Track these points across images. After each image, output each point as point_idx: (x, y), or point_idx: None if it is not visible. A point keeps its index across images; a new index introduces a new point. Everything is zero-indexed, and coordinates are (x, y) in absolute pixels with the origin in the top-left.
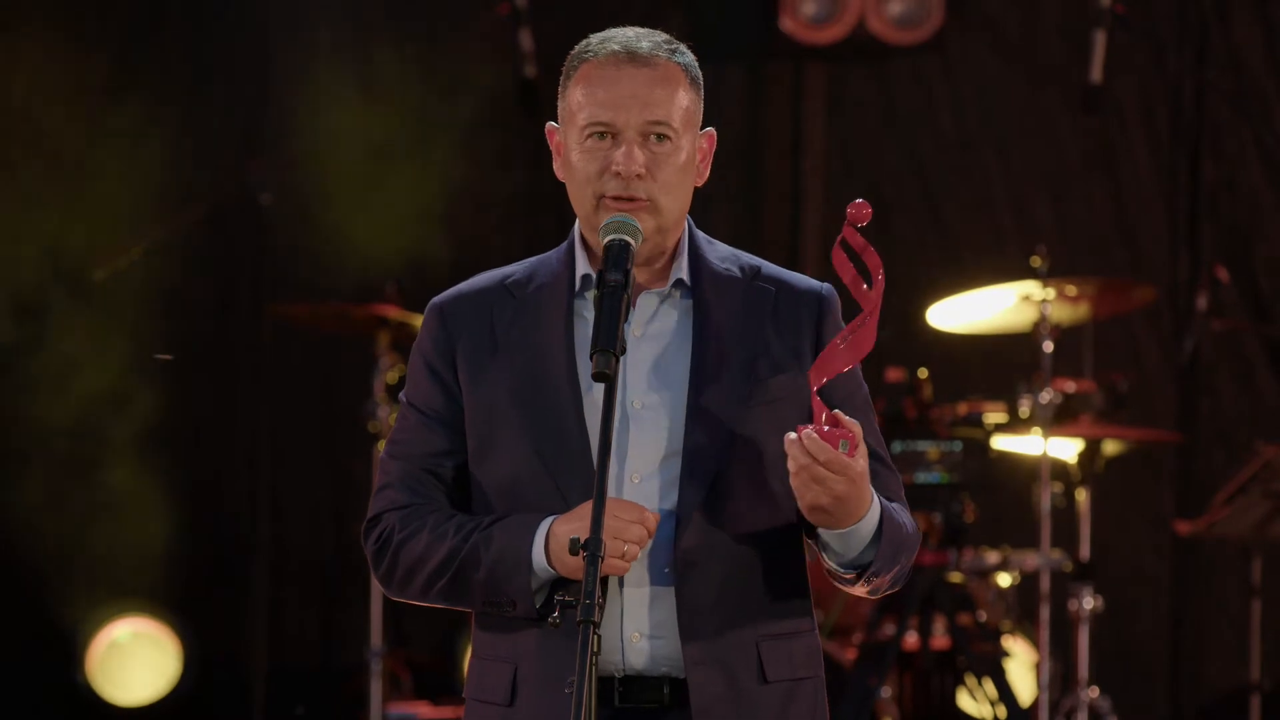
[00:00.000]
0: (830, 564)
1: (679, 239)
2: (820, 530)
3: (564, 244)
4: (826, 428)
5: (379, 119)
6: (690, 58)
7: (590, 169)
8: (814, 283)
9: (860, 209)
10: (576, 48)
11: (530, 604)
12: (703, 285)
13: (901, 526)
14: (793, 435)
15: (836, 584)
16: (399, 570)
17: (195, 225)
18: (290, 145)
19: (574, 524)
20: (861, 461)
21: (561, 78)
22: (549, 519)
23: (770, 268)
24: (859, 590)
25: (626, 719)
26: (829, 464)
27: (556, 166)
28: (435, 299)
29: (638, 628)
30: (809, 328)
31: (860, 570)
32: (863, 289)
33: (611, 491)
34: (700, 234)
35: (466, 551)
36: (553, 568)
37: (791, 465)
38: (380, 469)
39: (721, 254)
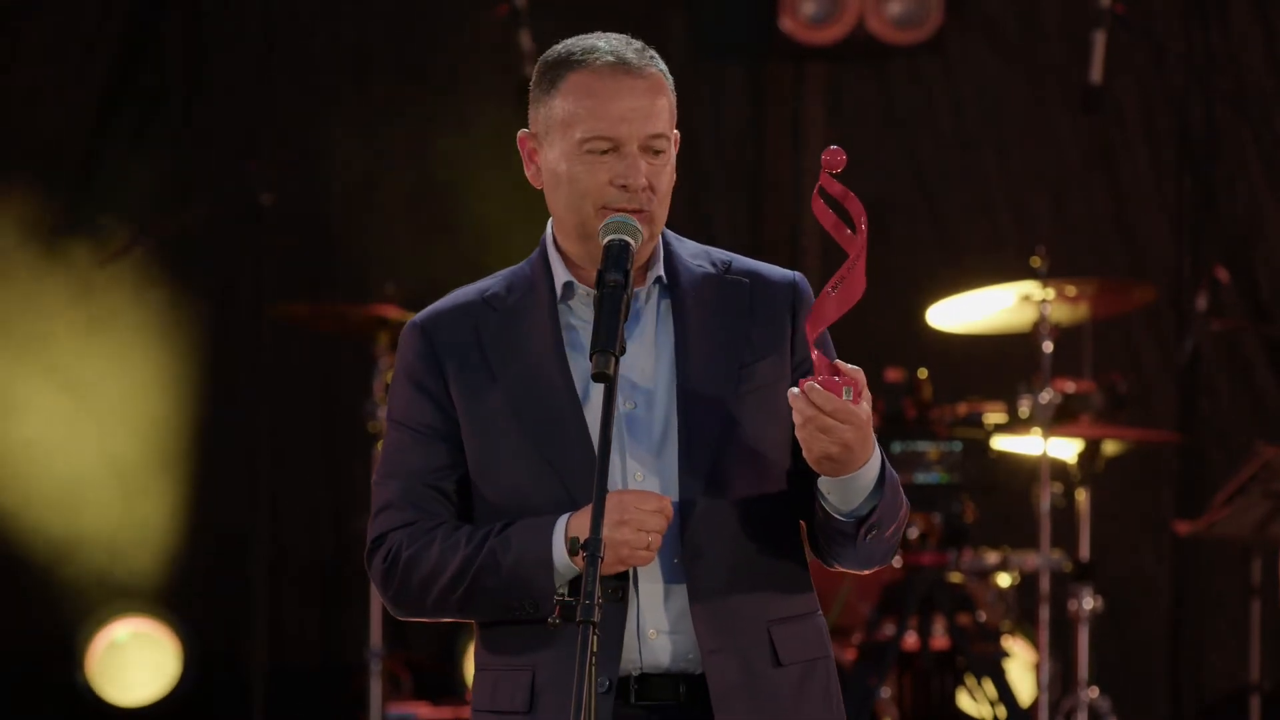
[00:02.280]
0: (834, 515)
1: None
2: (820, 482)
3: (534, 254)
4: (835, 378)
5: (378, 119)
6: (663, 63)
7: (590, 182)
8: (786, 272)
9: (834, 155)
10: (555, 54)
11: (552, 602)
12: (679, 283)
13: (898, 483)
14: (796, 390)
15: (833, 547)
16: (412, 587)
17: (195, 225)
18: (290, 145)
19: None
20: (866, 406)
21: (540, 84)
22: (564, 517)
23: (741, 261)
24: (859, 552)
25: (642, 717)
26: (835, 413)
27: (531, 174)
28: (413, 319)
29: (654, 624)
30: (785, 316)
31: (860, 520)
32: (846, 234)
33: (596, 486)
34: (669, 232)
35: (483, 559)
36: (575, 564)
37: (797, 418)
38: (375, 493)
39: (692, 250)
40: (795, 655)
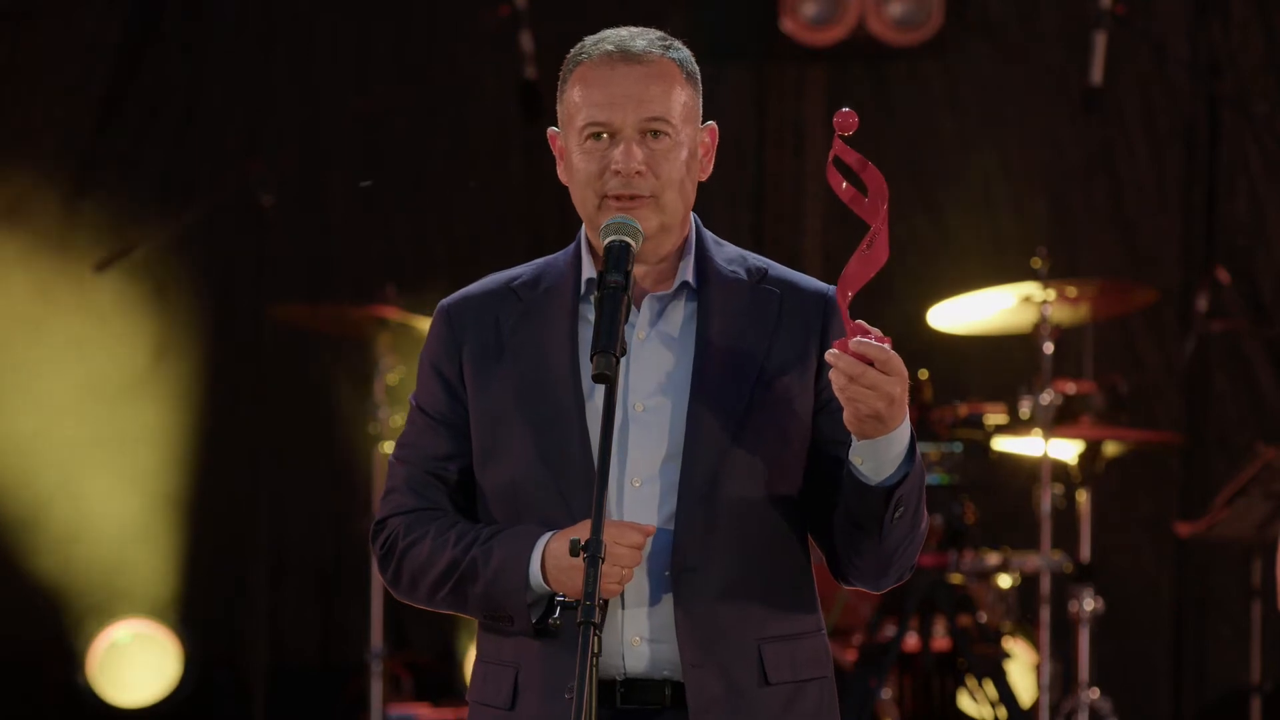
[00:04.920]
0: (866, 487)
1: (685, 239)
2: (853, 451)
3: (571, 246)
4: (872, 339)
5: (379, 119)
6: (685, 53)
7: (590, 169)
8: (820, 285)
9: (847, 117)
10: (572, 51)
11: (527, 620)
12: (708, 288)
13: (923, 469)
14: (834, 350)
15: (857, 544)
16: (404, 577)
17: (195, 225)
18: (290, 145)
19: (568, 542)
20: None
21: (559, 81)
22: (546, 536)
23: (777, 269)
24: (884, 540)
25: (626, 719)
26: (885, 364)
27: (560, 171)
28: (443, 301)
29: (638, 632)
30: (815, 330)
31: (890, 491)
32: (865, 204)
33: (612, 495)
34: (709, 235)
35: (466, 565)
36: (549, 585)
37: (841, 380)
38: (389, 472)
39: (729, 255)
40: (785, 675)
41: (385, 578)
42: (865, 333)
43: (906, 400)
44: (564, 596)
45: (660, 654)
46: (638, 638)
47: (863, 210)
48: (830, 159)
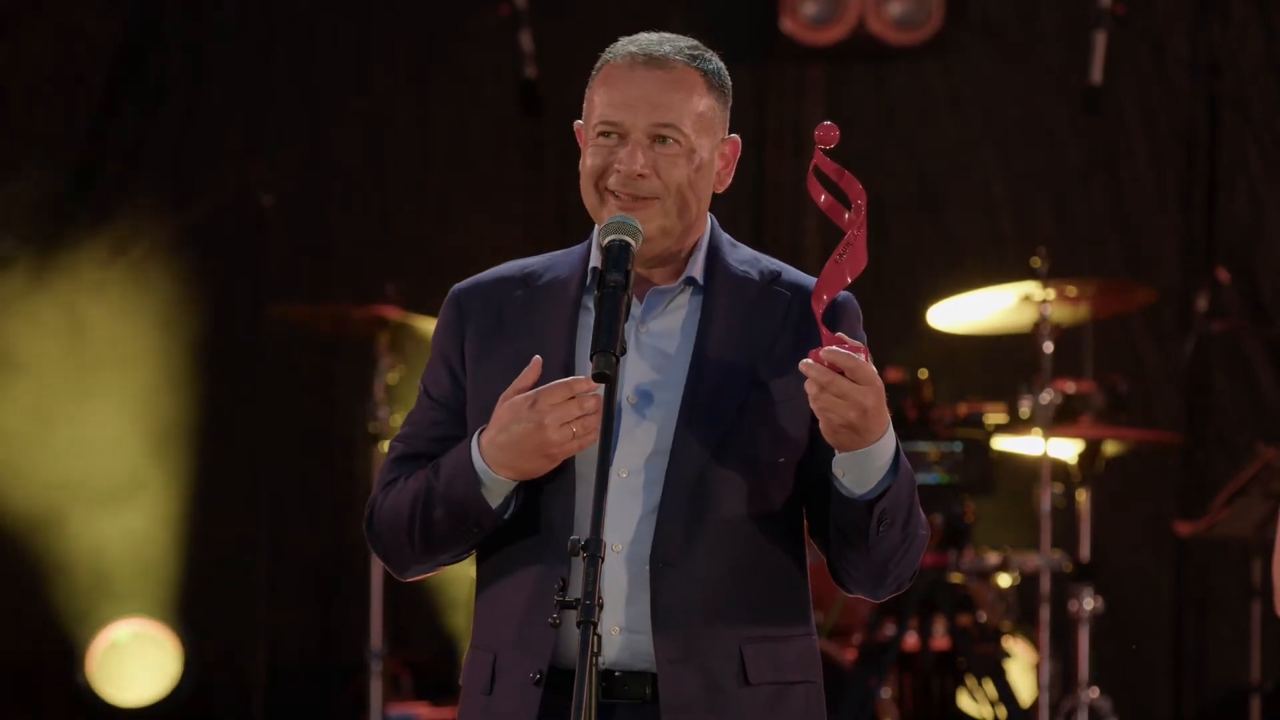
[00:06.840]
0: (849, 499)
1: (698, 239)
2: (836, 463)
3: (587, 240)
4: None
5: (378, 119)
6: (715, 64)
7: (596, 165)
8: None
9: (828, 131)
10: (605, 51)
11: (489, 510)
12: (715, 285)
13: (913, 478)
14: (808, 360)
15: (847, 552)
16: (388, 541)
17: (195, 225)
18: (290, 145)
19: (494, 430)
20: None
21: (590, 79)
22: (478, 431)
23: (791, 273)
24: (872, 551)
25: (607, 712)
26: (854, 372)
27: (581, 166)
28: (455, 286)
29: (617, 621)
30: (819, 334)
31: (873, 503)
32: (842, 213)
33: (596, 486)
34: (725, 236)
35: (424, 492)
36: (494, 471)
37: (813, 388)
38: (388, 452)
39: (743, 257)
40: (767, 676)
41: (379, 555)
42: (840, 342)
43: (884, 412)
44: (562, 596)
45: (639, 645)
46: (616, 627)
47: (841, 220)
48: (810, 170)
